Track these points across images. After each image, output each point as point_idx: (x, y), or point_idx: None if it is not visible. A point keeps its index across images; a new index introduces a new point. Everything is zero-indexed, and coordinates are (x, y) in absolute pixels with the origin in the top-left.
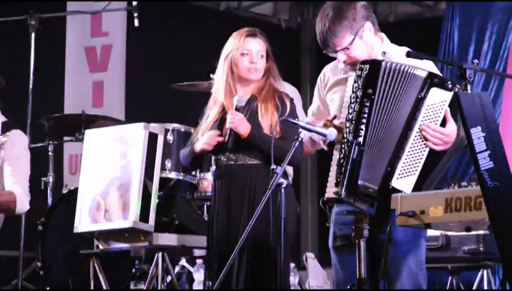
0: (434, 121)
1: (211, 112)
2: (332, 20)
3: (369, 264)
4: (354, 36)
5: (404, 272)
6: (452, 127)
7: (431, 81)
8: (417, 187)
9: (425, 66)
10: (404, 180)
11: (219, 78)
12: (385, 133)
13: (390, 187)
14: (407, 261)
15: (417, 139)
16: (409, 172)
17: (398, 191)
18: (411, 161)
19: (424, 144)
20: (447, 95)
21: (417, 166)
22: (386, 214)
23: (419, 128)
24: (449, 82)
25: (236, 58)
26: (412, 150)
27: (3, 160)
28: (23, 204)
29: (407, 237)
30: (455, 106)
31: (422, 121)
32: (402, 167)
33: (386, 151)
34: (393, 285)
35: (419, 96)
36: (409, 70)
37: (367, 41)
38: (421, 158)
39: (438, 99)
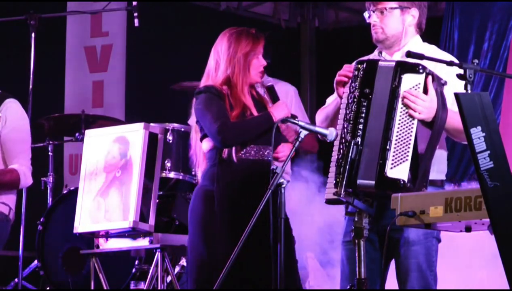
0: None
1: (235, 111)
2: None
3: (384, 262)
4: (397, 7)
5: (414, 272)
6: (432, 93)
7: (402, 68)
8: (413, 172)
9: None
10: (398, 168)
11: (237, 74)
12: (376, 129)
13: (386, 177)
14: (417, 261)
15: (401, 126)
16: (401, 159)
17: (395, 180)
18: (400, 148)
19: (409, 127)
20: (420, 78)
21: (407, 152)
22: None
23: (400, 115)
24: (420, 66)
25: (251, 59)
26: (399, 138)
27: (1, 134)
28: (26, 179)
29: (418, 237)
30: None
31: (401, 108)
32: (393, 156)
33: (377, 147)
34: (403, 285)
35: (393, 85)
36: (379, 64)
37: (404, 22)
38: (409, 144)
39: (412, 83)
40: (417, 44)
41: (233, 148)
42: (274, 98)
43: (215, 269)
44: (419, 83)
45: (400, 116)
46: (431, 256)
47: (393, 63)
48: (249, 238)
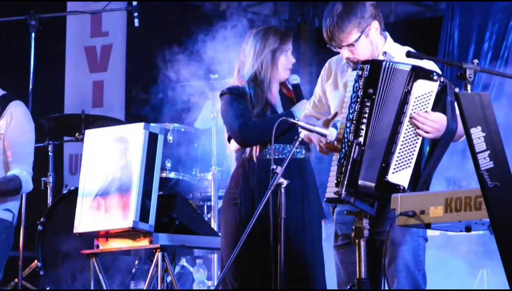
0: (423, 111)
1: (256, 109)
2: (340, 15)
3: (369, 264)
4: (360, 34)
5: (402, 273)
6: (440, 114)
7: (416, 74)
8: (414, 180)
9: (426, 66)
10: (399, 174)
11: (265, 71)
12: (382, 131)
13: (387, 182)
14: (405, 261)
15: (408, 132)
16: (404, 165)
17: (395, 185)
18: (404, 154)
19: (416, 134)
20: (433, 86)
21: (411, 158)
22: (385, 213)
23: (409, 121)
24: (434, 74)
25: (278, 56)
26: (405, 143)
27: (4, 136)
28: (27, 186)
29: (404, 238)
30: (443, 97)
31: (411, 114)
32: (396, 161)
33: (381, 148)
34: (391, 285)
35: (406, 90)
36: (394, 66)
37: (372, 40)
38: (414, 150)
39: (425, 90)
40: (389, 47)
41: (254, 148)
42: (299, 96)
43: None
44: (432, 91)
45: (409, 121)
46: (418, 255)
47: (409, 67)
48: (261, 238)
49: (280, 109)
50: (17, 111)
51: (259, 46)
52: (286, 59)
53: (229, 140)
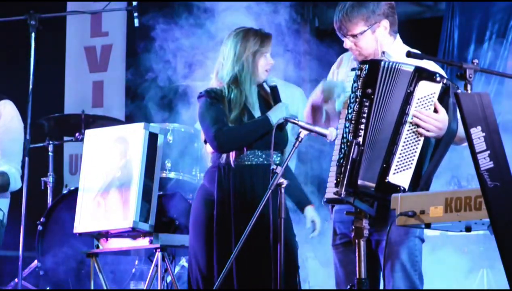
0: None
1: (233, 113)
2: (352, 4)
3: (367, 264)
4: (367, 28)
5: (398, 273)
6: (443, 114)
7: (419, 75)
8: (415, 181)
9: (427, 66)
10: (400, 175)
11: (245, 73)
12: (382, 131)
13: (387, 183)
14: (401, 262)
15: (410, 133)
16: (405, 166)
17: (396, 186)
18: (405, 155)
19: (417, 135)
20: (436, 87)
21: (412, 159)
22: (385, 214)
23: (411, 122)
24: (437, 75)
25: (258, 58)
26: (406, 144)
27: None
28: (15, 183)
29: (400, 237)
30: (445, 99)
31: (413, 115)
32: (398, 162)
33: (381, 149)
34: (387, 285)
35: (408, 91)
36: (397, 67)
37: (378, 38)
38: (415, 152)
39: (427, 92)
40: (397, 48)
41: (231, 153)
42: (276, 99)
43: (210, 269)
44: (434, 93)
45: (411, 122)
46: (414, 255)
47: (412, 68)
48: (250, 240)
49: (257, 112)
50: (6, 109)
51: (239, 48)
52: (265, 61)
53: (205, 141)
